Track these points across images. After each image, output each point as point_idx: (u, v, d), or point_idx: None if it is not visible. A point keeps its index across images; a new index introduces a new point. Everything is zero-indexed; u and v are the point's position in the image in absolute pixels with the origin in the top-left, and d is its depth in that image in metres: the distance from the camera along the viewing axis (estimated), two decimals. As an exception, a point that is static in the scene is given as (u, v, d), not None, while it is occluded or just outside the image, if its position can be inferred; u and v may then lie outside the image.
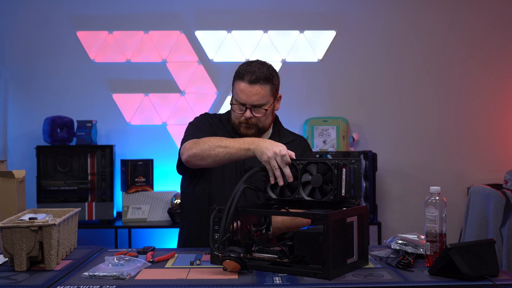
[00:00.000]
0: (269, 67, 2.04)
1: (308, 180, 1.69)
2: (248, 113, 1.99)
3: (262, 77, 1.97)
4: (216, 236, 1.63)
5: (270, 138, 2.10)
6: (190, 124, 2.12)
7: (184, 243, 2.11)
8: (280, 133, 2.14)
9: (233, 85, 2.05)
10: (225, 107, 4.05)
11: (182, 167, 2.05)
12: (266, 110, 1.99)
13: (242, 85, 1.98)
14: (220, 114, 2.19)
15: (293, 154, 1.73)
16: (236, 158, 1.85)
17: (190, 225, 2.09)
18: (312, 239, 1.56)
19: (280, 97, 2.10)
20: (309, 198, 1.68)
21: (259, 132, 2.06)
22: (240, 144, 1.83)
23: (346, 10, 4.10)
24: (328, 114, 4.03)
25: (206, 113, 2.20)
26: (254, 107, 1.98)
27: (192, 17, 4.06)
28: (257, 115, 1.99)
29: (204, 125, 2.08)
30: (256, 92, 1.97)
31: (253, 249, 1.66)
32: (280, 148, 1.72)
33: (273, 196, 1.75)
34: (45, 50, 4.02)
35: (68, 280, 1.54)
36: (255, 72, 1.98)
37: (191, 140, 1.96)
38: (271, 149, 1.72)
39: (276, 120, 2.18)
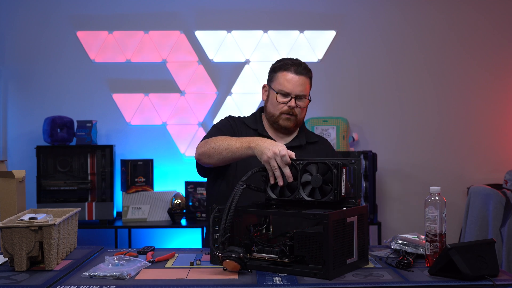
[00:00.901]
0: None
1: (308, 180, 1.69)
2: (292, 102, 2.07)
3: (306, 69, 2.10)
4: (216, 236, 1.63)
5: (297, 134, 2.17)
6: (213, 126, 2.17)
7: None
8: (306, 132, 2.21)
9: (273, 78, 2.11)
10: (225, 107, 4.05)
11: (201, 169, 2.12)
12: (310, 100, 2.11)
13: (289, 75, 2.07)
14: (244, 117, 2.24)
15: (293, 154, 1.74)
16: (238, 157, 1.89)
17: None
18: (312, 239, 1.56)
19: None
20: (309, 198, 1.69)
21: (296, 126, 2.14)
22: (241, 143, 1.86)
23: (346, 10, 4.10)
24: (328, 114, 4.03)
25: (229, 116, 2.24)
26: (298, 97, 2.07)
27: (192, 17, 4.06)
28: (300, 104, 2.08)
29: (225, 127, 2.13)
30: (302, 82, 2.07)
31: (253, 249, 1.66)
32: (280, 148, 1.73)
33: (273, 196, 1.75)
34: (45, 50, 4.02)
35: (68, 280, 1.54)
36: (301, 64, 2.10)
37: (203, 140, 2.03)
38: (271, 149, 1.73)
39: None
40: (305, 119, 2.23)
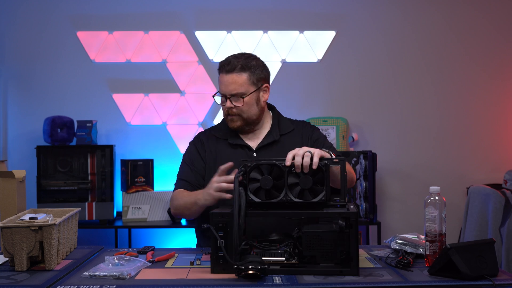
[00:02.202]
0: (247, 57, 2.07)
1: (295, 182, 1.66)
2: (228, 103, 2.04)
3: (237, 65, 2.02)
4: (220, 243, 1.58)
5: (271, 130, 2.13)
6: (182, 160, 2.20)
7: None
8: (279, 124, 2.15)
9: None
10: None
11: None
12: (244, 98, 2.02)
13: (221, 76, 2.05)
14: (216, 125, 2.24)
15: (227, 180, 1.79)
16: (202, 204, 1.90)
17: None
18: (324, 238, 1.56)
19: (267, 87, 2.11)
20: (298, 200, 1.65)
21: (246, 124, 2.08)
22: (191, 199, 1.95)
23: (346, 10, 4.10)
24: (327, 114, 4.03)
25: (197, 135, 2.21)
26: (233, 96, 2.02)
27: (192, 17, 4.07)
28: (236, 104, 2.03)
29: (192, 156, 2.14)
30: (232, 81, 2.02)
31: (252, 253, 1.63)
32: (211, 185, 1.83)
33: (256, 200, 1.67)
34: (45, 50, 4.02)
35: (68, 280, 1.54)
36: (230, 61, 2.04)
37: (171, 196, 2.09)
38: (209, 188, 1.84)
39: (274, 111, 2.20)
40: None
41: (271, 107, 2.23)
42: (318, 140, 2.12)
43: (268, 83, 2.11)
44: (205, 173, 2.08)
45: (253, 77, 2.03)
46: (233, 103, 2.02)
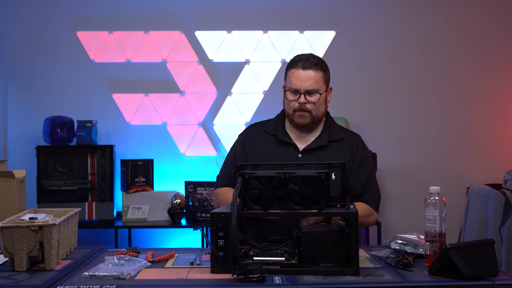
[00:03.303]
0: (320, 58, 2.11)
1: (295, 190, 1.63)
2: (302, 98, 2.04)
3: (314, 63, 2.05)
4: (221, 243, 1.59)
5: (321, 134, 2.12)
6: (225, 159, 2.22)
7: None
8: (330, 129, 2.14)
9: (285, 77, 2.10)
10: (225, 107, 4.06)
11: None
12: (320, 94, 2.04)
13: (296, 72, 2.05)
14: (269, 120, 2.22)
15: None
16: None
17: None
18: (324, 238, 1.56)
19: (331, 89, 2.14)
20: (298, 208, 1.63)
21: (313, 122, 2.08)
22: None
23: (346, 10, 4.10)
24: (328, 114, 4.03)
25: (244, 131, 2.23)
26: (308, 92, 2.03)
27: (192, 17, 4.07)
28: (311, 100, 2.04)
29: (237, 156, 2.14)
30: (310, 77, 2.03)
31: (251, 253, 1.63)
32: None
33: (256, 208, 1.65)
34: (45, 50, 4.02)
35: (68, 280, 1.54)
36: (308, 58, 2.06)
37: (215, 192, 2.16)
38: None
39: (327, 115, 2.19)
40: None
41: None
42: (362, 161, 2.11)
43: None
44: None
45: (325, 76, 2.08)
46: (308, 98, 2.03)
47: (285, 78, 2.11)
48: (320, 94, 2.04)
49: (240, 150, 2.15)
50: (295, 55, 2.11)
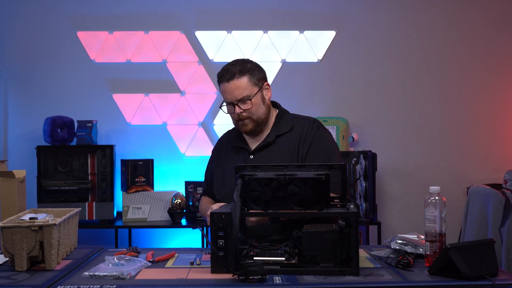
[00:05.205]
0: (242, 62, 2.12)
1: (295, 192, 1.63)
2: (237, 109, 2.07)
3: (235, 71, 2.06)
4: (221, 243, 1.59)
5: (271, 131, 2.13)
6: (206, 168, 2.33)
7: None
8: (280, 124, 2.15)
9: (220, 92, 2.15)
10: (225, 108, 4.05)
11: None
12: (251, 100, 2.05)
13: (223, 85, 2.09)
14: (229, 130, 2.30)
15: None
16: None
17: None
18: (324, 238, 1.56)
19: (268, 85, 2.15)
20: (299, 209, 1.63)
21: (257, 125, 2.10)
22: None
23: (346, 10, 4.10)
24: (328, 114, 4.03)
25: (218, 141, 2.32)
26: (240, 101, 2.05)
27: (192, 17, 4.07)
28: (245, 107, 2.06)
29: (210, 162, 2.27)
30: (235, 87, 2.05)
31: (251, 253, 1.63)
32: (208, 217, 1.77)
33: (256, 209, 1.65)
34: (45, 50, 4.02)
35: (68, 280, 1.54)
36: (228, 69, 2.08)
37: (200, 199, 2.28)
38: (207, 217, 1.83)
39: (279, 110, 2.20)
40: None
41: (275, 105, 2.23)
42: (313, 141, 2.06)
43: (267, 81, 2.14)
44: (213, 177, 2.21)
45: (253, 78, 2.08)
46: (242, 107, 2.06)
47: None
48: (251, 99, 2.05)
49: (214, 158, 2.25)
50: (222, 68, 2.12)
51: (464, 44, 4.14)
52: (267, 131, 2.13)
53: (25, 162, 3.80)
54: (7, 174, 2.03)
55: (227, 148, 2.20)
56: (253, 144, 2.13)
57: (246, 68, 2.08)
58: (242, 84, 2.05)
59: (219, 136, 4.03)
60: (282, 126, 2.13)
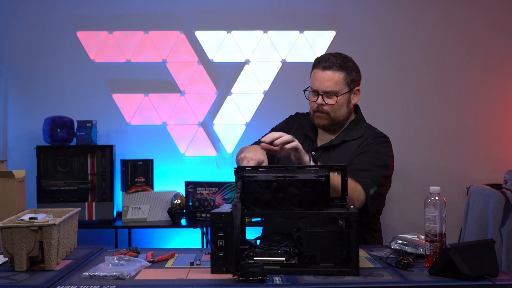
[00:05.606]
0: (345, 58, 2.06)
1: (295, 193, 1.63)
2: (319, 100, 2.02)
3: (335, 64, 2.01)
4: (221, 243, 1.59)
5: (341, 133, 2.11)
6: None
7: None
8: (353, 129, 2.11)
9: (310, 76, 2.08)
10: (225, 107, 4.06)
11: None
12: (338, 97, 2.01)
13: (317, 72, 2.02)
14: (306, 113, 2.25)
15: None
16: None
17: None
18: (324, 238, 1.56)
19: (359, 90, 2.10)
20: (299, 210, 1.63)
21: (332, 124, 2.07)
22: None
23: (346, 10, 4.10)
24: (328, 114, 4.03)
25: (295, 114, 2.29)
26: (326, 93, 2.00)
27: (192, 17, 4.06)
28: (328, 102, 2.01)
29: (279, 128, 2.23)
30: (328, 78, 2.00)
31: (251, 253, 1.63)
32: (245, 155, 1.84)
33: (256, 210, 1.65)
34: (45, 50, 4.02)
35: (68, 280, 1.54)
36: (329, 59, 2.02)
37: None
38: (239, 157, 1.88)
39: (357, 114, 2.16)
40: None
41: (355, 110, 2.19)
42: (363, 150, 2.04)
43: (359, 86, 2.10)
44: None
45: (348, 77, 2.03)
46: (325, 100, 2.01)
47: (310, 76, 2.10)
48: (338, 96, 2.00)
49: (282, 127, 2.19)
50: (322, 54, 2.08)
51: (464, 44, 4.14)
52: (337, 134, 2.11)
53: (25, 162, 3.79)
54: (6, 174, 2.03)
55: (297, 130, 2.15)
56: (321, 141, 2.10)
57: (346, 65, 2.03)
58: (335, 78, 2.01)
59: (218, 136, 4.02)
60: (352, 132, 2.10)
